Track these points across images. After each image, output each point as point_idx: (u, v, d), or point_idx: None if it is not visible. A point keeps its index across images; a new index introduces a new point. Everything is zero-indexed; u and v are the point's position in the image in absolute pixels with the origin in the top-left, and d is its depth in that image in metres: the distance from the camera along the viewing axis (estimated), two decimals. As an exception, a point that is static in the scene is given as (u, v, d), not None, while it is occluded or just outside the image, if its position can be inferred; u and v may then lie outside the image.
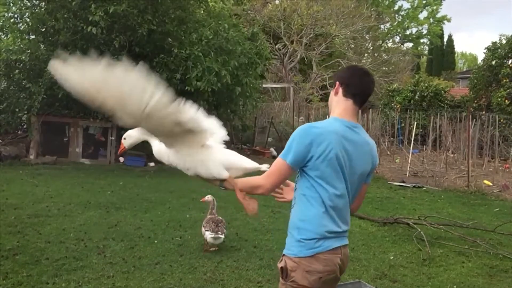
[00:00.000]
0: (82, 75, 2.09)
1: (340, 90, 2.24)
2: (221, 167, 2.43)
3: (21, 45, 11.72)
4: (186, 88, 11.23)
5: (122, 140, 2.65)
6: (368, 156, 2.23)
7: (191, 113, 2.22)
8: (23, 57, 11.19)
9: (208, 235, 4.99)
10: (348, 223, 2.27)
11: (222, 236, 5.02)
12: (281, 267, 2.20)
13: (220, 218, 5.18)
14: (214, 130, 2.66)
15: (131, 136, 2.60)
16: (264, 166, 2.54)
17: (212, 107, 12.53)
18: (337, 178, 2.13)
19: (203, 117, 2.46)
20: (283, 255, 2.21)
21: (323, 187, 2.12)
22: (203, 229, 5.11)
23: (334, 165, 2.11)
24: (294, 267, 2.13)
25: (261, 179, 2.22)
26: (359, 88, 2.23)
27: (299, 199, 2.20)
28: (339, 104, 2.25)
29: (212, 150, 2.48)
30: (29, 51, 11.35)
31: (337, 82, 2.26)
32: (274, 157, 10.39)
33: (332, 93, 2.29)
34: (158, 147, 2.51)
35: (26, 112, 11.24)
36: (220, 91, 12.32)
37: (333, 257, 2.15)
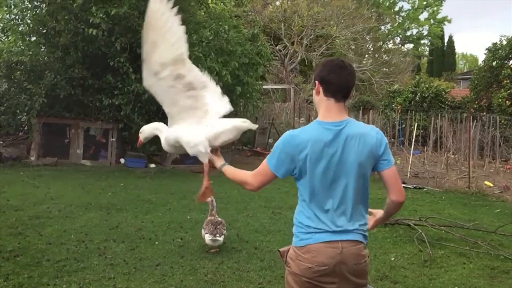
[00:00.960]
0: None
1: (321, 89, 2.25)
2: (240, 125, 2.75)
3: (22, 47, 11.74)
4: None
5: (139, 134, 3.01)
6: (362, 146, 2.20)
7: (195, 70, 2.57)
8: (24, 59, 11.20)
9: (207, 238, 5.01)
10: (351, 219, 2.26)
11: (220, 239, 5.02)
12: (280, 251, 2.40)
13: (220, 219, 5.18)
14: (215, 98, 2.86)
15: (145, 131, 2.95)
16: (246, 123, 2.78)
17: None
18: (320, 181, 2.21)
19: (207, 80, 2.74)
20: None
21: (306, 187, 2.24)
22: (203, 231, 5.11)
23: (315, 169, 2.20)
24: (293, 256, 2.27)
25: (250, 178, 2.37)
26: (338, 85, 2.22)
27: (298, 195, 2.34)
28: (322, 103, 2.26)
29: (210, 123, 2.71)
30: (30, 52, 11.37)
31: (316, 82, 2.25)
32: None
33: (314, 92, 2.29)
34: (165, 139, 2.76)
35: (26, 114, 11.25)
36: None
37: (326, 250, 2.20)
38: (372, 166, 2.28)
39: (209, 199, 5.32)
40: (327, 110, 2.24)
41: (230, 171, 2.52)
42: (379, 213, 2.52)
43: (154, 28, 2.50)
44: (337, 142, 2.19)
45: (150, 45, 2.51)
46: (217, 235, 4.99)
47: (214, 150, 2.72)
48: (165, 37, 2.49)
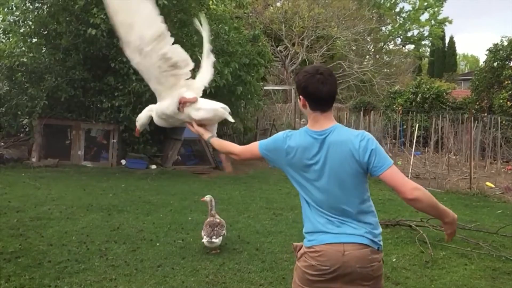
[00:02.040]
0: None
1: (307, 104, 2.29)
2: (218, 110, 2.92)
3: (24, 48, 11.76)
4: None
5: (136, 124, 3.08)
6: (343, 153, 2.22)
7: (179, 48, 2.64)
8: (25, 60, 11.22)
9: (204, 239, 5.04)
10: (354, 223, 2.29)
11: (216, 241, 5.03)
12: (293, 245, 2.47)
13: (218, 220, 5.20)
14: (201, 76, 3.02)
15: (140, 118, 3.00)
16: (224, 111, 2.95)
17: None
18: (314, 186, 2.30)
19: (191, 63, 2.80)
20: None
21: (303, 190, 2.35)
22: (202, 232, 5.15)
23: (305, 175, 2.31)
24: (301, 253, 2.37)
25: (239, 150, 2.57)
26: (321, 99, 2.26)
27: None
28: (309, 115, 2.32)
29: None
30: (31, 54, 11.39)
31: (301, 97, 2.29)
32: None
33: (301, 103, 2.33)
34: (155, 113, 2.89)
35: (28, 117, 11.28)
36: (221, 93, 12.32)
37: (330, 251, 2.25)
38: (362, 170, 2.26)
39: (208, 199, 5.35)
40: (315, 121, 2.30)
41: (218, 142, 2.70)
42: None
43: (122, 11, 2.51)
44: (321, 149, 2.26)
45: (124, 27, 2.53)
46: (213, 237, 5.01)
47: (201, 125, 2.81)
48: (136, 16, 2.50)
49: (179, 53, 2.66)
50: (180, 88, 2.74)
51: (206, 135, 2.79)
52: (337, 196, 2.27)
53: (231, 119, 2.99)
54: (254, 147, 2.49)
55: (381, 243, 2.35)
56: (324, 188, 2.28)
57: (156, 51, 2.55)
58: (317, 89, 2.22)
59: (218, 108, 2.89)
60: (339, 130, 2.27)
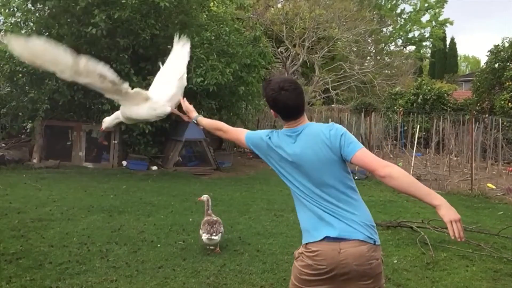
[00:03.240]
0: (24, 47, 2.80)
1: (279, 115, 2.45)
2: (163, 107, 3.35)
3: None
4: (189, 87, 11.25)
5: (102, 124, 3.51)
6: (320, 142, 2.34)
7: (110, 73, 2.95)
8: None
9: (203, 237, 5.07)
10: (346, 217, 2.30)
11: (216, 238, 5.07)
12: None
13: (215, 218, 5.24)
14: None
15: (106, 121, 3.48)
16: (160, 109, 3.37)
17: (215, 110, 12.55)
18: (299, 181, 2.38)
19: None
20: None
21: (291, 183, 2.43)
22: (200, 231, 5.18)
23: (288, 172, 2.41)
24: (299, 252, 2.41)
25: (226, 128, 2.74)
26: (290, 112, 2.40)
27: None
28: (284, 124, 2.46)
29: (153, 99, 3.35)
30: None
31: (272, 111, 2.48)
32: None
33: (273, 115, 2.51)
34: (121, 115, 3.33)
35: (30, 121, 11.32)
36: (223, 93, 12.33)
37: (326, 250, 2.26)
38: (337, 157, 2.33)
39: (204, 198, 5.38)
40: (289, 125, 2.44)
41: (205, 120, 2.96)
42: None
43: (37, 58, 2.85)
44: (296, 144, 2.37)
45: (51, 67, 2.83)
46: (213, 234, 5.06)
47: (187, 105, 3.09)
48: (50, 58, 2.81)
49: (111, 73, 2.96)
50: (139, 100, 3.29)
51: (192, 113, 3.03)
52: (325, 187, 2.33)
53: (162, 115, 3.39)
54: (242, 135, 2.62)
55: (377, 237, 2.35)
56: (309, 176, 2.35)
57: (91, 72, 2.85)
58: (285, 104, 2.37)
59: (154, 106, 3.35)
60: (311, 125, 2.42)
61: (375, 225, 2.39)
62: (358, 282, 2.27)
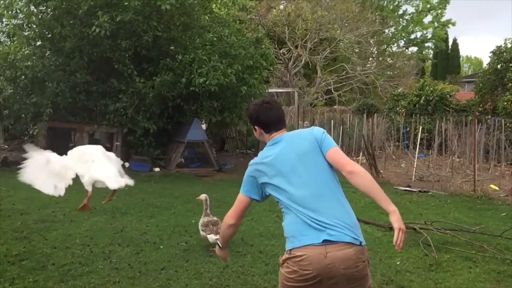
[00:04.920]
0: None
1: (262, 131, 2.60)
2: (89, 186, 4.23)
3: (27, 51, 11.81)
4: (192, 89, 11.27)
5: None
6: (301, 139, 2.49)
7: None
8: (29, 63, 11.28)
9: (212, 237, 5.10)
10: (332, 219, 2.30)
11: None
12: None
13: (216, 218, 5.28)
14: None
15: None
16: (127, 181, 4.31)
17: (217, 112, 12.57)
18: (280, 184, 2.42)
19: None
20: None
21: (283, 195, 2.42)
22: (203, 232, 5.21)
23: (279, 177, 2.43)
24: (284, 260, 2.39)
25: (233, 216, 2.65)
26: (272, 122, 2.58)
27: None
28: (267, 138, 2.60)
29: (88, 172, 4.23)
30: (34, 58, 11.43)
31: (256, 127, 2.62)
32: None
33: (257, 133, 2.64)
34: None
35: (35, 126, 11.37)
36: (225, 95, 12.34)
37: (312, 255, 2.24)
38: (321, 154, 2.44)
39: (203, 198, 5.41)
40: (271, 136, 2.58)
41: (220, 240, 2.81)
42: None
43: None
44: (278, 146, 2.49)
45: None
46: (218, 234, 5.07)
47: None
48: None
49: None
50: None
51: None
52: (304, 183, 2.36)
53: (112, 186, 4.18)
54: (241, 200, 2.61)
55: (362, 237, 2.35)
56: (290, 178, 2.39)
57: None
58: (267, 115, 2.57)
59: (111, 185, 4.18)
60: (289, 133, 2.60)
61: (359, 224, 2.41)
62: (346, 286, 2.27)
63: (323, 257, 2.22)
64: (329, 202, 2.34)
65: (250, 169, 2.55)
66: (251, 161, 2.57)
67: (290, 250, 2.33)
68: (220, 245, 2.77)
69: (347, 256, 2.24)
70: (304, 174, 2.38)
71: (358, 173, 2.35)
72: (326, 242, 2.24)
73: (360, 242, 2.31)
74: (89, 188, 4.20)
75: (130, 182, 4.30)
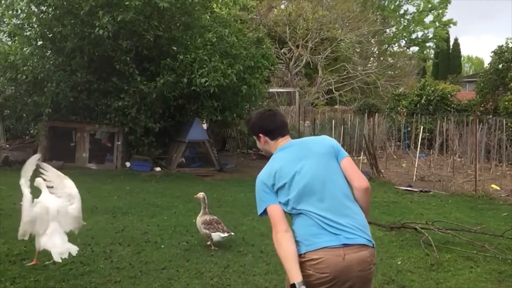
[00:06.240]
0: None
1: (267, 138, 2.57)
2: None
3: (28, 50, 11.82)
4: (193, 88, 11.27)
5: None
6: (315, 144, 2.50)
7: None
8: (30, 62, 11.29)
9: (219, 236, 5.20)
10: (347, 220, 2.29)
11: (227, 235, 5.26)
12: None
13: (216, 217, 5.37)
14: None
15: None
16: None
17: (217, 111, 12.57)
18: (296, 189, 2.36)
19: None
20: None
21: (303, 202, 2.35)
22: (205, 230, 5.25)
23: (296, 183, 2.36)
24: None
25: (286, 228, 2.32)
26: (277, 128, 2.57)
27: None
28: (272, 146, 2.58)
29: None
30: (35, 59, 11.44)
31: (260, 135, 2.58)
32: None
33: (262, 143, 2.61)
34: None
35: (35, 126, 11.38)
36: (225, 95, 12.34)
37: (329, 257, 2.21)
38: (336, 160, 2.46)
39: (201, 196, 5.43)
40: (278, 143, 2.56)
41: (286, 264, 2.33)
42: None
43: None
44: (293, 149, 2.48)
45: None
46: (225, 232, 5.26)
47: None
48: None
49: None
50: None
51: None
52: (323, 184, 2.34)
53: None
54: (276, 211, 2.36)
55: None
56: (316, 179, 2.35)
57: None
58: (272, 121, 2.58)
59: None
60: (300, 139, 2.64)
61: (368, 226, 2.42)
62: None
63: (341, 260, 2.20)
64: (342, 204, 2.33)
65: (262, 183, 2.41)
66: (262, 177, 2.43)
67: (304, 253, 2.26)
68: (297, 282, 2.19)
69: (363, 258, 2.25)
70: (320, 176, 2.36)
71: (366, 190, 2.42)
72: (344, 244, 2.24)
73: (373, 244, 2.32)
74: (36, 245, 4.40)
75: (73, 251, 4.23)
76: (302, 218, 2.33)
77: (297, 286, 2.15)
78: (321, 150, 2.44)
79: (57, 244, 4.24)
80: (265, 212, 2.40)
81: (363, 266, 2.24)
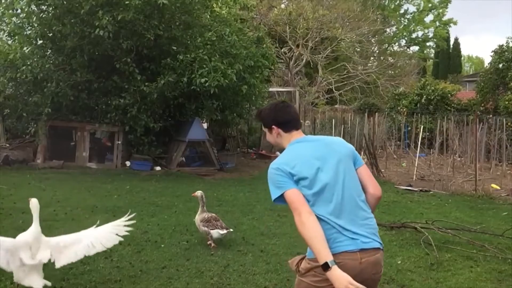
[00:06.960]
0: None
1: (280, 131, 2.51)
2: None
3: (28, 50, 11.82)
4: (193, 88, 11.27)
5: None
6: (337, 144, 2.48)
7: None
8: (30, 62, 11.29)
9: (217, 233, 5.23)
10: (360, 225, 2.29)
11: (226, 232, 5.29)
12: (291, 263, 2.46)
13: (214, 214, 5.41)
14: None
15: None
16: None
17: (218, 111, 12.57)
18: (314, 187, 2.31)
19: None
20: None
21: (318, 199, 2.32)
22: (204, 228, 5.28)
23: (311, 175, 2.32)
24: (309, 268, 2.27)
25: (308, 211, 2.26)
26: (291, 119, 2.52)
27: None
28: (285, 139, 2.52)
29: None
30: (35, 58, 11.44)
31: (273, 126, 2.51)
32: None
33: (274, 135, 2.54)
34: None
35: (35, 124, 11.38)
36: (226, 95, 12.33)
37: (347, 261, 2.18)
38: (353, 164, 2.46)
39: (199, 194, 5.45)
40: (292, 136, 2.51)
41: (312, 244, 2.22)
42: None
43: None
44: (310, 145, 2.44)
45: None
46: (224, 229, 5.28)
47: None
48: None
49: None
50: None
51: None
52: (346, 186, 2.32)
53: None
54: (298, 195, 2.32)
55: None
56: (336, 179, 2.32)
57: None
58: (286, 112, 2.53)
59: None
60: (316, 136, 2.63)
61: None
62: None
63: (358, 264, 2.20)
64: (358, 207, 2.32)
65: (278, 169, 2.34)
66: (279, 164, 2.36)
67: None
68: (329, 260, 2.13)
69: (377, 261, 2.28)
70: (341, 176, 2.34)
71: (378, 199, 2.50)
72: (361, 249, 2.24)
73: (383, 246, 2.35)
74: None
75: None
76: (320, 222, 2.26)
77: (329, 264, 2.09)
78: (344, 151, 2.43)
79: None
80: (280, 198, 2.35)
81: (376, 269, 2.26)
